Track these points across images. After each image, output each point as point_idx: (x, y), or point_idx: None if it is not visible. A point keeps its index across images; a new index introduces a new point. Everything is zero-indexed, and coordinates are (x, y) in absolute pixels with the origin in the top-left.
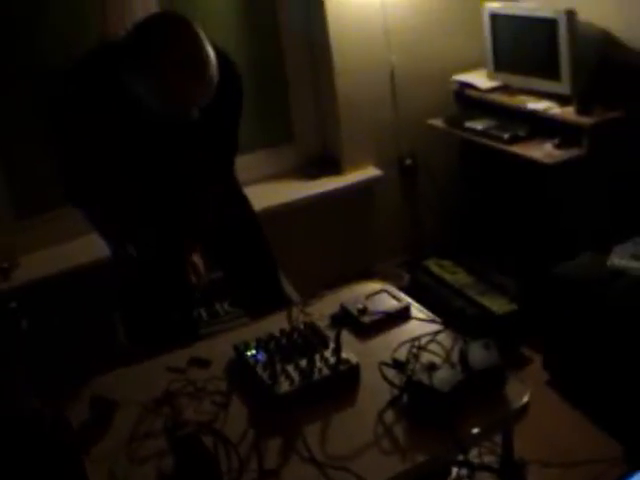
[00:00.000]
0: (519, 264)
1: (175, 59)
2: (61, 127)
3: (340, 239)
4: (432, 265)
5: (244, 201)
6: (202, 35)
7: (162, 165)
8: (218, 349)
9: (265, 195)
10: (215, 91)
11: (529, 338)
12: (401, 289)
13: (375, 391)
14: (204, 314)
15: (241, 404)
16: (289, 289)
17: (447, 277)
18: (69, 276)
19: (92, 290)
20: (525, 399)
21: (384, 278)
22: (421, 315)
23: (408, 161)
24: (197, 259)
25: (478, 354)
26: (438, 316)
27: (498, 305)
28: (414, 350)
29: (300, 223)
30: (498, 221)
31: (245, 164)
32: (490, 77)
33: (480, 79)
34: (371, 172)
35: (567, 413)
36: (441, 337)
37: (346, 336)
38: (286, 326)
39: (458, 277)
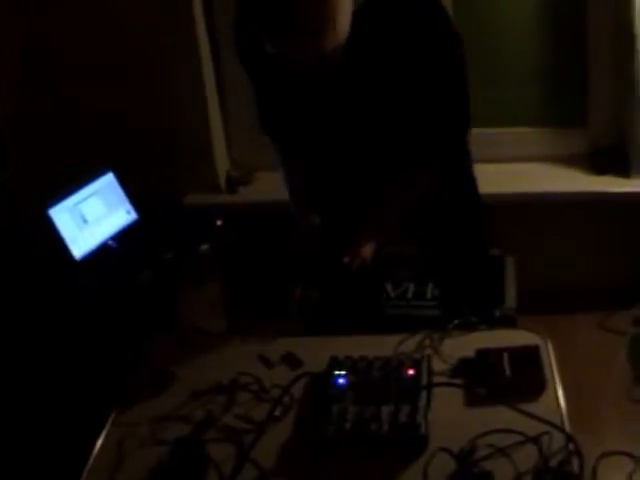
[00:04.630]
0: None
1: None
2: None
3: (601, 253)
4: None
5: (466, 188)
6: None
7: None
8: (322, 351)
9: (536, 177)
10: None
11: None
12: None
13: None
14: (411, 291)
15: (290, 424)
16: (511, 293)
17: None
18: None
19: None
20: None
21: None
22: (549, 404)
23: None
24: (367, 250)
25: None
26: None
27: None
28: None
29: (560, 219)
30: None
31: (527, 138)
32: None
33: None
34: None
35: None
36: (545, 439)
37: (454, 395)
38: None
39: None
